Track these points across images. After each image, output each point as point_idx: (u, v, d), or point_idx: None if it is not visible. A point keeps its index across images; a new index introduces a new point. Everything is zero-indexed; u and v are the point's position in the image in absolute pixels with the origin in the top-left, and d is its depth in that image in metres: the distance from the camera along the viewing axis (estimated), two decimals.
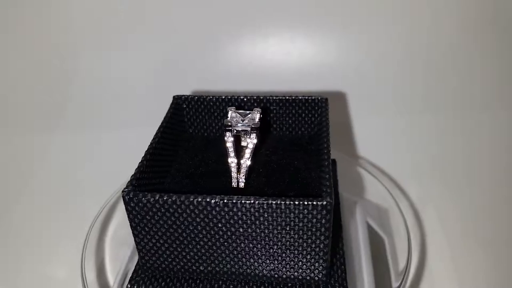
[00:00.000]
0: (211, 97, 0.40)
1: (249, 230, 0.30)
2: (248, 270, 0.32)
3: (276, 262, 0.31)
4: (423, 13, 0.56)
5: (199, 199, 0.29)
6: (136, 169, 0.32)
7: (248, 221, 0.29)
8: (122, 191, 0.29)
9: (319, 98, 0.39)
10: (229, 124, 0.32)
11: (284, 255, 0.31)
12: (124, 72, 0.58)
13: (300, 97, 0.39)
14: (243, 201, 0.28)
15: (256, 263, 0.31)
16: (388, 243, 0.41)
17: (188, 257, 0.32)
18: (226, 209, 0.29)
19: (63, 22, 0.57)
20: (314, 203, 0.28)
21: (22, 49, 0.58)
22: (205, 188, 0.35)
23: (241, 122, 0.33)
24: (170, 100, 0.39)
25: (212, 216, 0.29)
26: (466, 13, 0.56)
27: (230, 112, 0.34)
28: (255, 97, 0.40)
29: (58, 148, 0.59)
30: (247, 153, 0.32)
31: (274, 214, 0.29)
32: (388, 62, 0.58)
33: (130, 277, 0.33)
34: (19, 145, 0.59)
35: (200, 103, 0.41)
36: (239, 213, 0.29)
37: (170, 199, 0.29)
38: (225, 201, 0.28)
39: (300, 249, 0.30)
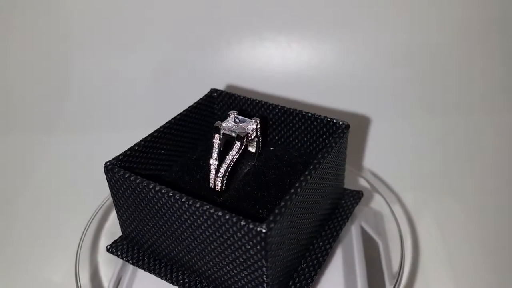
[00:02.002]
0: (242, 97, 0.41)
1: (197, 232, 0.30)
2: (200, 271, 0.32)
3: (222, 271, 0.31)
4: (424, 16, 0.56)
5: (157, 188, 0.30)
6: (131, 146, 0.35)
7: (195, 223, 0.30)
8: (105, 162, 0.33)
9: (340, 122, 0.36)
10: (219, 126, 0.33)
11: (228, 267, 0.30)
12: (125, 73, 0.59)
13: (322, 117, 0.37)
14: (190, 202, 0.29)
15: (206, 266, 0.32)
16: (382, 247, 0.40)
17: (153, 239, 0.34)
18: (176, 205, 0.29)
19: (64, 22, 0.58)
20: (250, 226, 0.27)
21: (22, 50, 0.59)
22: (193, 182, 0.36)
23: (233, 127, 0.33)
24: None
25: (167, 208, 0.30)
26: (468, 15, 0.55)
27: (231, 115, 0.34)
28: (279, 106, 0.39)
29: (57, 149, 0.58)
30: (228, 158, 0.32)
31: (216, 225, 0.28)
32: (385, 67, 0.58)
33: (114, 240, 0.37)
34: (18, 145, 0.59)
35: (232, 101, 0.41)
36: (187, 213, 0.29)
37: (135, 181, 0.31)
38: (176, 197, 0.29)
39: (242, 267, 0.29)
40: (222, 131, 0.33)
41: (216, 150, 0.33)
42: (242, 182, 0.36)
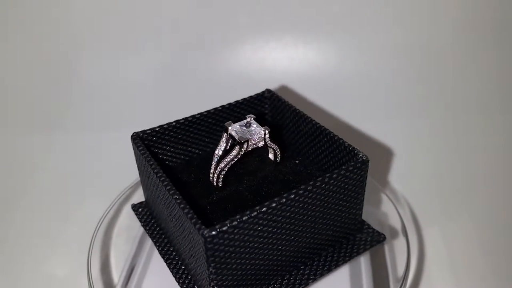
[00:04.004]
0: (287, 103, 0.40)
1: (172, 216, 0.32)
2: (179, 252, 0.35)
3: (188, 260, 0.33)
4: (422, 18, 0.58)
5: (152, 166, 0.33)
6: (162, 124, 0.38)
7: (171, 208, 0.32)
8: (133, 132, 0.37)
9: (359, 155, 0.33)
10: (228, 126, 0.34)
11: (191, 258, 0.32)
12: (126, 72, 0.58)
13: (346, 144, 0.34)
14: (168, 187, 0.31)
15: (182, 249, 0.34)
16: (387, 248, 0.40)
17: (156, 211, 0.37)
18: (160, 185, 0.32)
19: (65, 22, 0.57)
20: (197, 227, 0.28)
21: (24, 50, 0.59)
22: (204, 174, 0.38)
23: (241, 131, 0.33)
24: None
25: (156, 186, 0.33)
26: (464, 16, 0.58)
27: (247, 119, 0.34)
28: (313, 122, 0.37)
29: (65, 147, 0.59)
30: (225, 159, 0.33)
31: (180, 215, 0.30)
32: (383, 68, 0.60)
33: (140, 201, 0.42)
34: (25, 143, 0.59)
35: (279, 105, 0.41)
36: (166, 196, 0.32)
37: (142, 155, 0.34)
38: (161, 179, 0.32)
39: (197, 263, 0.30)
40: (229, 132, 0.33)
41: (222, 148, 0.34)
42: (245, 185, 0.36)
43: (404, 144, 0.57)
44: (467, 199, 0.50)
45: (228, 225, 0.28)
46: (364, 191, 0.34)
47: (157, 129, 0.38)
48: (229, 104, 0.41)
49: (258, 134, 0.33)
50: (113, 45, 0.60)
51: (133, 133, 0.37)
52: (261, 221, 0.29)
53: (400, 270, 0.37)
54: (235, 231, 0.28)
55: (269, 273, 0.33)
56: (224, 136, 0.34)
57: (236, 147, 0.33)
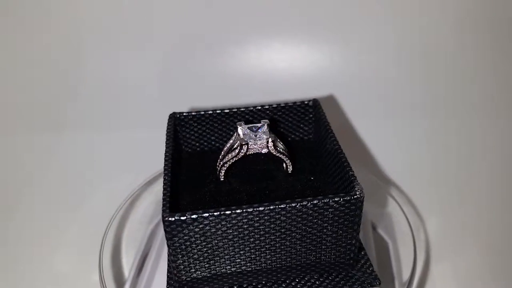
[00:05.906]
0: (323, 116, 0.39)
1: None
2: None
3: None
4: (418, 16, 0.57)
5: (167, 145, 0.36)
6: (198, 110, 0.40)
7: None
8: (173, 112, 0.40)
9: (355, 188, 0.30)
10: (238, 125, 0.34)
11: None
12: (130, 72, 0.57)
13: (350, 172, 0.32)
14: (165, 167, 0.34)
15: None
16: (392, 248, 0.42)
17: None
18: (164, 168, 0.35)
19: (67, 20, 0.55)
20: (163, 209, 0.30)
21: (25, 49, 0.58)
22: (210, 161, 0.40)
23: (248, 133, 0.33)
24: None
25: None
26: (466, 16, 0.56)
27: (261, 123, 0.34)
28: (335, 142, 0.35)
29: (72, 145, 0.59)
30: (228, 156, 0.34)
31: (164, 200, 0.32)
32: (382, 67, 0.59)
33: None
34: (32, 141, 0.59)
35: (319, 116, 0.40)
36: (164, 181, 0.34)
37: (167, 135, 0.38)
38: (165, 161, 0.34)
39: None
40: (238, 131, 0.34)
41: (228, 145, 0.35)
42: (248, 186, 0.36)
43: (406, 144, 0.57)
44: (472, 197, 0.51)
45: (187, 216, 0.29)
46: (358, 227, 0.32)
47: (194, 113, 0.41)
48: (269, 105, 0.41)
49: (261, 140, 0.33)
50: (117, 44, 0.58)
51: (171, 113, 0.40)
52: (224, 223, 0.30)
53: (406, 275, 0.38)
54: (195, 224, 0.29)
55: (238, 276, 0.33)
56: (235, 135, 0.35)
57: (238, 147, 0.34)
